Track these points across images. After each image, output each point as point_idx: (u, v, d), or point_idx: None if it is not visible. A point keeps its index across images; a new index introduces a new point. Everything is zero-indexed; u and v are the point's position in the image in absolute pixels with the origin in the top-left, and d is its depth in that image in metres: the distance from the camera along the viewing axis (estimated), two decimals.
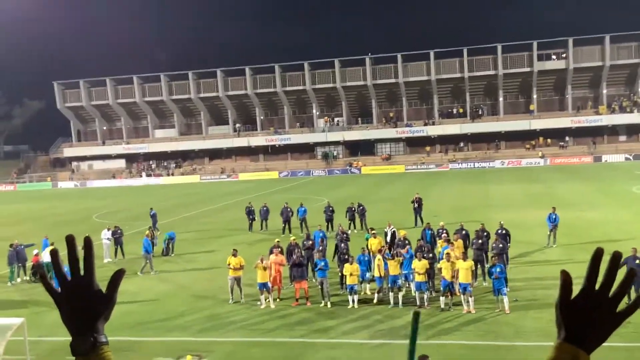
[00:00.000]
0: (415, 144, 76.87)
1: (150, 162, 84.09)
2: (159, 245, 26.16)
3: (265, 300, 17.14)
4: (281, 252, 18.68)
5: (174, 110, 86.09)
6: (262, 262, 17.13)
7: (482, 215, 28.29)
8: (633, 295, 12.64)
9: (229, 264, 17.90)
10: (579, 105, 75.02)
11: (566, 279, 1.23)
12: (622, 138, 71.80)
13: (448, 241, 18.68)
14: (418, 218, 29.42)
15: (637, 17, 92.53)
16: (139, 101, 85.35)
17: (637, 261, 15.24)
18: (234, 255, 18.05)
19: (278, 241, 20.22)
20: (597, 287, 1.21)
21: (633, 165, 59.13)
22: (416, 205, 30.03)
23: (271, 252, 18.61)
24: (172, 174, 79.81)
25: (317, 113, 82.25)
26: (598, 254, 1.21)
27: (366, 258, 17.92)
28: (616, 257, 1.20)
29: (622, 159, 66.54)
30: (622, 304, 1.20)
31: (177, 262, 24.58)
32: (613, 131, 71.63)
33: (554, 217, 23.12)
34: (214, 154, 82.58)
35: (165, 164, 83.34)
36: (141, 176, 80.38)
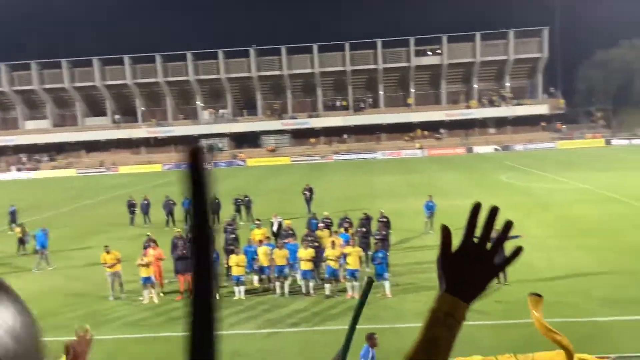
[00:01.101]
0: (300, 136, 77.69)
1: (21, 155, 78.61)
2: (30, 242, 24.60)
3: (149, 295, 16.67)
4: (156, 245, 18.19)
5: (47, 100, 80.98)
6: (142, 260, 16.65)
7: (366, 204, 29.16)
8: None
9: (104, 262, 17.25)
10: (453, 100, 79.34)
11: (446, 234, 1.29)
12: (492, 130, 76.79)
13: (329, 227, 19.21)
14: (309, 206, 30.11)
15: (504, 15, 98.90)
16: (8, 90, 79.44)
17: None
18: (107, 252, 17.36)
19: (148, 235, 19.61)
20: (475, 240, 1.27)
21: (502, 156, 63.43)
22: (308, 194, 30.82)
23: (146, 248, 18.05)
24: (42, 169, 75.07)
25: (202, 105, 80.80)
26: (476, 208, 1.27)
27: (252, 249, 17.91)
28: (493, 211, 1.28)
29: (491, 150, 71.20)
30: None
31: (51, 260, 23.22)
32: (483, 124, 76.43)
33: (430, 204, 24.36)
34: (92, 147, 78.68)
35: (37, 157, 78.26)
36: (10, 170, 74.94)
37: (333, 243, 16.88)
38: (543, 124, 75.12)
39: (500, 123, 76.31)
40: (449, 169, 51.51)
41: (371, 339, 9.75)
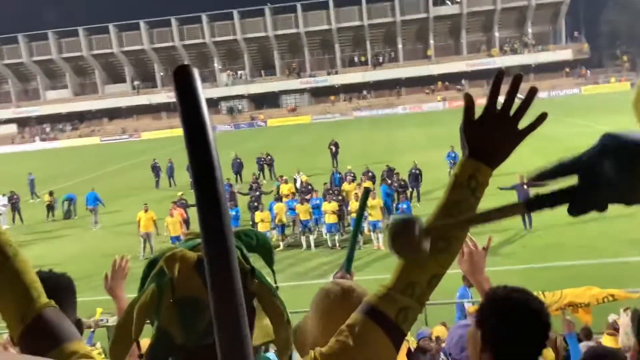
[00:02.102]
0: (320, 94, 77.16)
1: (44, 126, 79.54)
2: (59, 209, 25.13)
3: None
4: (180, 206, 18.48)
5: (66, 69, 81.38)
6: (171, 216, 16.95)
7: (388, 158, 29.05)
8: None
9: (139, 220, 17.57)
10: (474, 49, 77.79)
11: (469, 100, 1.28)
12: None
13: (353, 180, 19.26)
14: (335, 161, 30.29)
15: None
16: (27, 61, 79.92)
17: (525, 186, 16.31)
18: (145, 210, 17.76)
19: (181, 194, 19.95)
20: (497, 107, 1.27)
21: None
22: (334, 149, 31.16)
23: (180, 207, 18.38)
24: (66, 138, 75.97)
25: (219, 67, 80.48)
26: (499, 75, 1.27)
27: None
28: (516, 78, 1.27)
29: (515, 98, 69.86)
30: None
31: (80, 224, 23.72)
32: (506, 73, 74.80)
33: (453, 155, 24.22)
34: (113, 114, 79.26)
35: (60, 127, 79.13)
36: (34, 141, 75.95)
37: (357, 196, 16.91)
38: (567, 69, 73.42)
39: (524, 70, 74.50)
40: None
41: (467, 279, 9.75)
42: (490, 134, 1.27)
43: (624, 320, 5.79)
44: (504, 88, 1.27)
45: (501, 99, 1.29)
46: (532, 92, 1.27)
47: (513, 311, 1.82)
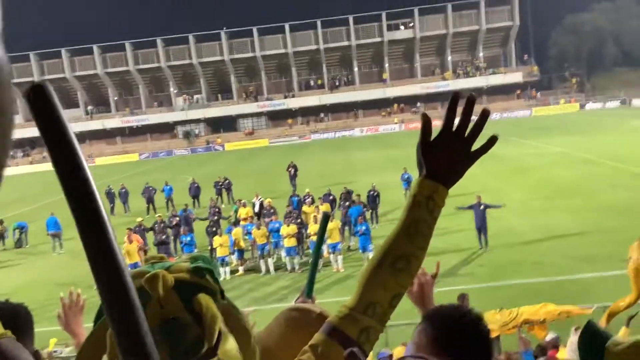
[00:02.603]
0: (277, 118, 77.27)
1: None
2: (9, 237, 24.32)
3: None
4: (136, 233, 18.09)
5: (16, 94, 79.17)
6: (129, 242, 16.58)
7: (346, 180, 29.18)
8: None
9: None
10: (428, 72, 79.42)
11: (425, 121, 1.33)
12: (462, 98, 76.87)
13: (312, 203, 19.22)
14: (293, 183, 30.27)
15: None
16: None
17: (481, 207, 16.60)
18: None
19: (141, 220, 19.60)
20: (453, 128, 1.31)
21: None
22: (292, 171, 31.15)
23: (135, 233, 17.98)
24: (18, 164, 73.94)
25: (175, 91, 79.90)
26: (454, 98, 1.31)
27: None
28: (470, 100, 1.31)
29: None
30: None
31: (32, 252, 22.98)
32: (460, 95, 76.58)
33: (406, 176, 24.62)
34: None
35: (11, 154, 76.65)
36: None
37: (315, 218, 16.88)
38: (518, 92, 75.55)
39: (476, 92, 74.37)
40: None
41: (463, 298, 9.70)
42: (446, 155, 1.31)
43: (573, 339, 5.90)
44: (459, 110, 1.29)
45: (456, 120, 1.31)
46: (485, 114, 1.33)
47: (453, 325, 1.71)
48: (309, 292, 2.06)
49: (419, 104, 76.26)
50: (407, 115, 74.82)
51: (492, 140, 1.30)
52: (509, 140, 43.78)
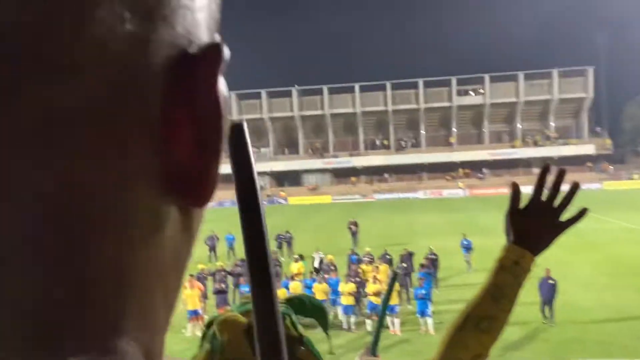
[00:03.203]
0: (342, 175, 77.94)
1: None
2: None
3: (193, 327, 16.80)
4: (198, 280, 18.39)
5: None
6: (190, 289, 16.86)
7: (407, 242, 28.93)
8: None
9: None
10: (496, 139, 78.71)
11: (515, 190, 1.41)
12: (536, 170, 75.23)
13: (371, 262, 19.13)
14: (355, 240, 30.79)
15: (548, 56, 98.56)
16: None
17: (550, 281, 16.10)
18: None
19: (202, 267, 20.02)
20: (543, 198, 1.39)
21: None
22: (354, 228, 31.59)
23: (199, 280, 18.35)
24: None
25: None
26: (545, 168, 1.42)
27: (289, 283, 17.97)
28: (560, 174, 1.43)
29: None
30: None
31: None
32: (527, 163, 75.39)
33: (465, 243, 24.14)
34: None
35: None
36: None
37: (375, 278, 16.79)
38: (589, 164, 73.57)
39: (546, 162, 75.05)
40: (493, 208, 50.75)
41: None
42: (535, 224, 1.37)
43: None
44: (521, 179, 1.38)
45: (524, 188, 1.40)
46: (575, 187, 1.42)
47: None
48: (374, 350, 2.10)
49: (485, 170, 75.36)
50: (472, 180, 73.98)
51: (582, 213, 1.40)
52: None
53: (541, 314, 16.19)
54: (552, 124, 77.60)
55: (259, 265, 0.44)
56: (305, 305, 1.34)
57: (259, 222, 0.45)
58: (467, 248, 23.86)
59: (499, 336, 1.34)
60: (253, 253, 0.46)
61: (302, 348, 1.19)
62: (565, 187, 1.45)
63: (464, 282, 21.62)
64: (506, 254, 1.35)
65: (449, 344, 1.32)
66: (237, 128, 0.44)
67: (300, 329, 1.23)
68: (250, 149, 0.47)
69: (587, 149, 73.65)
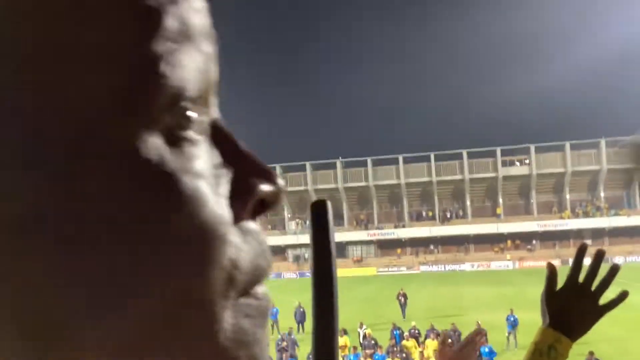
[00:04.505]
0: (386, 246, 77.36)
1: None
2: None
3: None
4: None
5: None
6: None
7: (453, 316, 28.29)
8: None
9: None
10: (544, 210, 77.22)
11: (552, 271, 1.40)
12: (587, 241, 72.83)
13: (417, 337, 18.74)
14: (404, 311, 30.90)
15: (595, 126, 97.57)
16: None
17: None
18: None
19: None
20: (580, 280, 1.38)
21: (600, 269, 59.96)
22: (402, 299, 31.59)
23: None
24: None
25: (289, 215, 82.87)
26: (582, 249, 1.40)
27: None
28: (600, 254, 1.39)
29: (588, 262, 67.44)
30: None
31: None
32: (578, 234, 73.34)
33: (512, 318, 23.37)
34: None
35: None
36: None
37: (422, 354, 16.46)
38: None
39: (597, 234, 73.00)
40: (543, 281, 49.22)
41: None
42: (572, 306, 1.35)
43: None
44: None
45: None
46: (614, 269, 1.40)
47: None
48: None
49: (534, 242, 73.66)
50: (521, 252, 72.28)
51: (623, 296, 1.38)
52: (633, 286, 40.78)
53: None
54: (602, 194, 75.88)
55: (326, 350, 0.43)
56: None
57: (332, 304, 0.44)
58: (513, 325, 23.17)
59: None
60: (321, 339, 0.44)
61: None
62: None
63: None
64: (542, 338, 1.33)
65: None
66: (319, 205, 0.44)
67: None
68: (332, 227, 0.46)
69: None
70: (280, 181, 0.35)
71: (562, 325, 1.33)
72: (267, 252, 0.35)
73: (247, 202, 0.33)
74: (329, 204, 0.47)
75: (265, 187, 0.35)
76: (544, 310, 1.37)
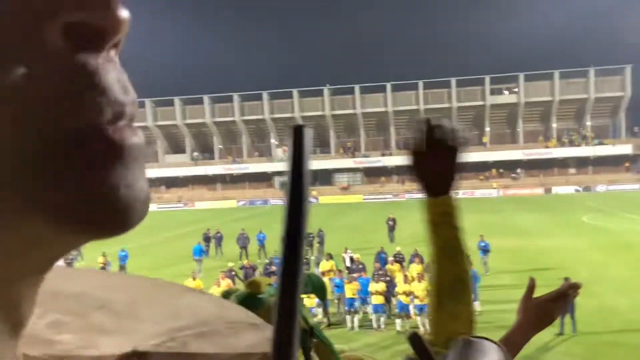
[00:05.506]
0: (373, 174, 77.76)
1: None
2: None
3: None
4: (228, 277, 18.61)
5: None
6: (218, 286, 17.09)
7: None
8: None
9: None
10: (530, 139, 77.57)
11: (531, 284, 1.63)
12: (572, 170, 74.23)
13: (401, 262, 19.10)
14: (392, 235, 32.32)
15: (584, 53, 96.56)
16: None
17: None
18: (194, 279, 18.09)
19: (232, 265, 20.22)
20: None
21: (583, 197, 61.02)
22: (391, 223, 33.23)
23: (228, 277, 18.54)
24: None
25: (276, 142, 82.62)
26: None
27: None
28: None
29: (572, 190, 68.62)
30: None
31: None
32: (563, 163, 74.07)
33: (482, 244, 23.88)
34: (171, 183, 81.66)
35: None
36: None
37: (405, 277, 16.71)
38: (627, 164, 71.93)
39: (581, 163, 73.74)
40: (527, 209, 50.01)
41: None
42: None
43: None
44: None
45: None
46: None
47: None
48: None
49: (519, 170, 74.33)
50: (506, 180, 73.03)
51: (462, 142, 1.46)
52: (615, 214, 41.59)
53: (560, 328, 15.23)
54: (589, 123, 76.11)
55: (291, 268, 0.45)
56: (307, 286, 1.50)
57: (300, 227, 0.45)
58: (484, 250, 23.72)
59: (472, 302, 1.37)
60: (289, 252, 0.46)
61: (314, 340, 1.23)
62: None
63: (497, 284, 21.42)
64: (432, 210, 1.39)
65: (437, 322, 1.34)
66: (297, 129, 0.45)
67: (311, 321, 1.27)
68: (308, 153, 0.47)
69: (625, 148, 72.01)
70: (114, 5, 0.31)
71: (438, 188, 1.38)
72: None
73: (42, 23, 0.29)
74: (307, 130, 0.46)
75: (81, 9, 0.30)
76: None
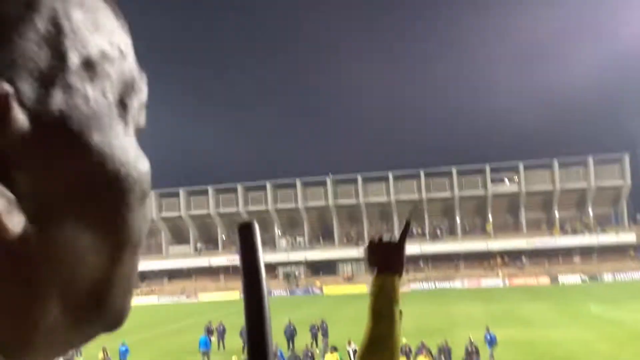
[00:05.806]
0: None
1: None
2: None
3: None
4: None
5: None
6: None
7: (444, 333, 28.30)
8: None
9: None
10: (534, 227, 77.61)
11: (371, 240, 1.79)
12: (577, 259, 73.73)
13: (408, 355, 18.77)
14: None
15: (581, 142, 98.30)
16: None
17: None
18: None
19: (235, 359, 19.96)
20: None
21: (589, 286, 60.42)
22: None
23: None
24: None
25: (279, 233, 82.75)
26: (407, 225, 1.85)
27: None
28: (407, 223, 1.85)
29: (578, 279, 67.93)
30: None
31: None
32: (567, 252, 73.69)
33: (489, 337, 23.52)
34: (174, 274, 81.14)
35: None
36: None
37: None
38: (631, 252, 71.53)
39: (586, 252, 73.36)
40: (533, 298, 49.43)
41: None
42: (384, 252, 1.76)
43: None
44: None
45: None
46: (407, 224, 1.84)
47: None
48: None
49: (523, 259, 73.91)
50: (511, 269, 72.49)
51: (407, 224, 1.81)
52: (622, 304, 41.05)
53: None
54: (591, 211, 76.40)
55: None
56: None
57: (261, 308, 0.46)
58: (490, 343, 23.33)
59: (397, 352, 1.65)
60: (254, 353, 0.46)
61: None
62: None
63: None
64: (373, 283, 1.69)
65: None
66: (245, 226, 0.43)
67: None
68: (259, 248, 0.47)
69: (628, 237, 71.88)
70: None
71: (383, 269, 1.70)
72: None
73: None
74: (256, 225, 0.47)
75: None
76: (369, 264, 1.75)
